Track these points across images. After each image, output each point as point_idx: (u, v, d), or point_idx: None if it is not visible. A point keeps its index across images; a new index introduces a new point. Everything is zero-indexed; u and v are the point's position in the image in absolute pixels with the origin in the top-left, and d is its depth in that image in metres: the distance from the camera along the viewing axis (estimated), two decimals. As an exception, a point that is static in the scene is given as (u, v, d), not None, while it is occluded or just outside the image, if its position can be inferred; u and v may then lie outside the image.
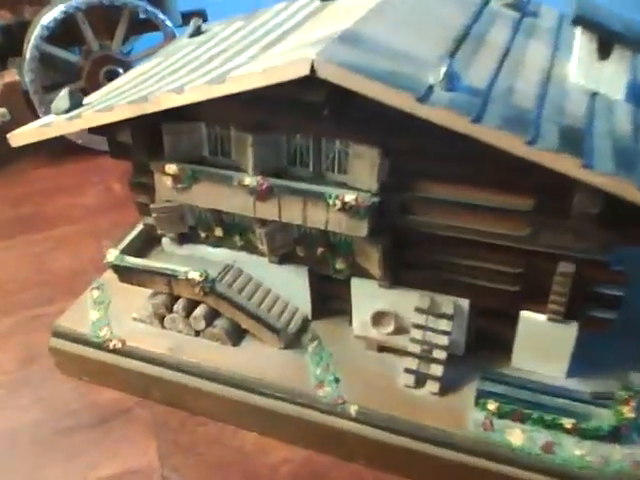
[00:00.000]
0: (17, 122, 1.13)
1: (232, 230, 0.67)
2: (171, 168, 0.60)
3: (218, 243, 0.69)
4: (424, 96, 0.46)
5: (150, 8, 1.14)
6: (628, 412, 0.53)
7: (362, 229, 0.56)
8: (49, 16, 1.08)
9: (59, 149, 1.20)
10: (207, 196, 0.60)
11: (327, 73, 0.46)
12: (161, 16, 1.16)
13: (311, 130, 0.56)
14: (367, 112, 0.51)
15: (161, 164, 0.60)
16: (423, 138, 0.51)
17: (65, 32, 1.15)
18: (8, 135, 0.65)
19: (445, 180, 0.54)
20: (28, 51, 1.09)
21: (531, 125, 0.47)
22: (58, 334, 0.74)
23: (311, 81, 0.48)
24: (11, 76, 1.12)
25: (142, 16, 1.17)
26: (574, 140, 0.47)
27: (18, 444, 0.69)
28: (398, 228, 0.58)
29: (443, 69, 0.47)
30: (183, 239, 0.71)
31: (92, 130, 0.63)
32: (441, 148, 0.51)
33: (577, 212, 0.48)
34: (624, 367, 0.56)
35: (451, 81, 0.47)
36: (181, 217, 0.68)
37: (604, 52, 0.55)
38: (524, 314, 0.59)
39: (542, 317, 0.58)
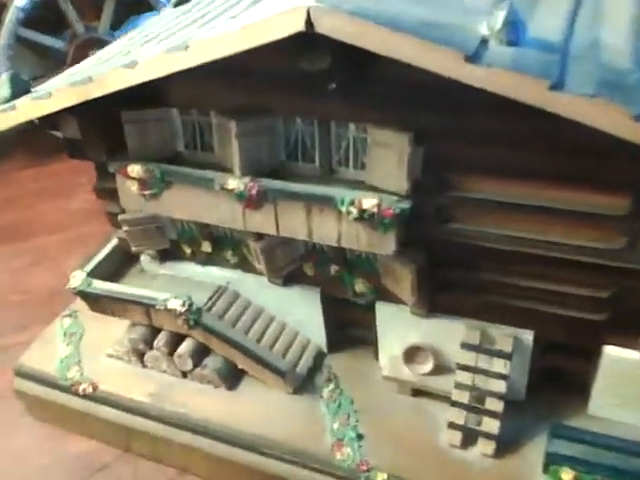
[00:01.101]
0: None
1: (222, 244, 0.55)
2: (135, 169, 0.46)
3: (207, 260, 0.57)
4: (475, 54, 0.31)
5: (140, -14, 1.01)
6: None
7: (388, 245, 0.42)
8: (25, -4, 0.95)
9: (45, 147, 1.08)
10: (183, 205, 0.47)
11: (330, 26, 0.32)
12: (154, -6, 1.03)
13: (315, 111, 0.42)
14: (391, 83, 0.37)
15: (122, 165, 0.46)
16: (472, 116, 0.37)
17: (51, 16, 1.03)
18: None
19: (502, 174, 0.40)
20: (3, 37, 0.97)
21: (631, 92, 0.32)
22: (22, 374, 0.61)
23: (309, 41, 0.33)
24: (-15, 66, 1.00)
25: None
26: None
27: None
28: (436, 240, 0.43)
29: (502, 14, 0.32)
30: (165, 256, 0.58)
31: (42, 124, 0.50)
32: (497, 129, 0.37)
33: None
34: None
35: (514, 31, 0.32)
36: (159, 230, 0.54)
37: None
38: (609, 350, 0.45)
39: (634, 354, 0.43)
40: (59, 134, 1.02)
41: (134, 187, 0.47)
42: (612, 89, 0.32)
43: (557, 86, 0.30)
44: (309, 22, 0.32)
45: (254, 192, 0.43)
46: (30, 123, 0.56)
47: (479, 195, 0.41)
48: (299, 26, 0.33)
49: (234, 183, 0.43)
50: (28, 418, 0.65)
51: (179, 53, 0.36)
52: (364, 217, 0.41)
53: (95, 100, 0.42)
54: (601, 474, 0.43)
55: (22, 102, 0.45)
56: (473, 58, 0.31)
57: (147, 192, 0.47)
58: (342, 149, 0.44)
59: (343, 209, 0.41)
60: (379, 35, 0.31)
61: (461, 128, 0.38)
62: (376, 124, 0.40)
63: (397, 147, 0.40)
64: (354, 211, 0.41)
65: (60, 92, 0.42)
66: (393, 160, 0.40)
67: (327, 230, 0.43)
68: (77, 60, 1.01)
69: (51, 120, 0.47)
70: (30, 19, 1.00)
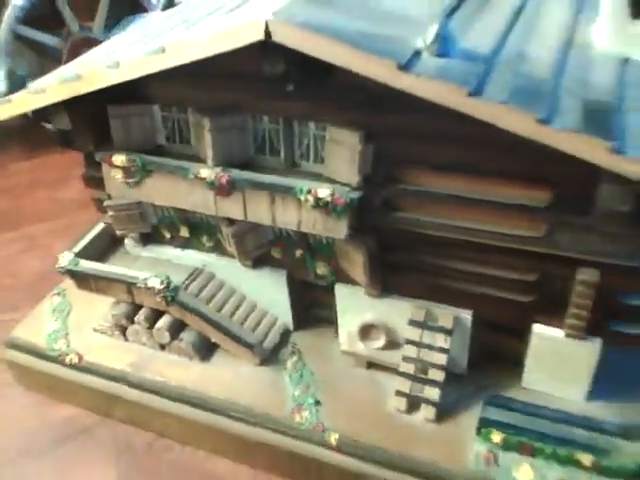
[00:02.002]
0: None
1: (199, 230, 0.59)
2: (119, 159, 0.51)
3: (185, 244, 0.62)
4: (408, 63, 0.37)
5: (132, -16, 1.06)
6: (663, 450, 0.43)
7: (341, 230, 0.47)
8: (22, -5, 1.00)
9: (41, 139, 1.13)
10: (161, 192, 0.52)
11: (283, 36, 0.37)
12: (146, -6, 1.07)
13: (279, 111, 0.47)
14: (344, 86, 0.42)
15: (108, 154, 0.51)
16: (415, 117, 0.42)
17: (46, 13, 1.07)
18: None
19: (442, 169, 0.45)
20: (1, 34, 1.01)
21: (546, 99, 0.37)
22: (13, 345, 0.66)
23: (269, 48, 0.38)
24: (-17, 61, 1.04)
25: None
26: (601, 118, 0.37)
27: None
28: (384, 227, 0.49)
29: (433, 29, 0.38)
30: (146, 240, 0.63)
31: (37, 117, 0.55)
32: (437, 129, 0.42)
33: (603, 209, 0.39)
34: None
35: (443, 44, 0.38)
36: (141, 215, 0.59)
37: (636, 10, 0.45)
38: (537, 328, 0.50)
39: (559, 332, 0.48)
40: (52, 127, 1.07)
41: (118, 175, 0.52)
42: (526, 96, 0.37)
43: (475, 93, 0.36)
44: (267, 32, 0.38)
45: (224, 181, 0.48)
46: (26, 118, 0.61)
47: (420, 188, 0.46)
48: (259, 35, 0.38)
49: (206, 172, 0.48)
50: (17, 387, 0.70)
51: (157, 55, 0.42)
52: (320, 205, 0.46)
53: (84, 95, 0.47)
54: (527, 437, 0.48)
55: (18, 96, 0.50)
56: (405, 67, 0.36)
57: (130, 180, 0.52)
58: (304, 145, 0.49)
59: (302, 197, 0.47)
60: (323, 44, 0.36)
61: (406, 127, 0.44)
62: (332, 123, 0.46)
63: (350, 144, 0.45)
64: (311, 199, 0.46)
65: (52, 88, 0.47)
66: (346, 155, 0.46)
67: (288, 216, 0.48)
68: (72, 58, 1.06)
69: (44, 113, 0.52)
70: (28, 17, 1.04)
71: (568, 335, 0.48)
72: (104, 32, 1.10)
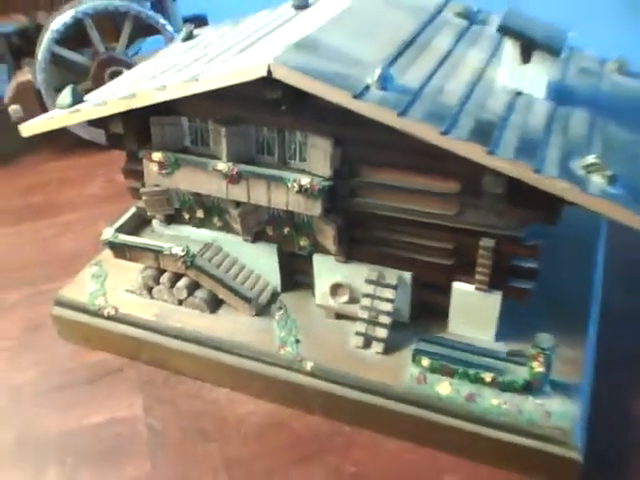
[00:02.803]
0: (29, 118, 1.25)
1: (212, 212, 0.76)
2: (157, 156, 0.69)
3: (200, 224, 0.78)
4: (360, 94, 0.56)
5: (152, 14, 1.24)
6: (538, 367, 0.61)
7: (317, 209, 0.65)
8: (59, 20, 1.18)
9: (67, 144, 1.31)
10: (188, 180, 0.70)
11: (281, 75, 0.56)
12: (162, 21, 1.26)
13: (274, 123, 0.66)
14: (320, 108, 0.60)
15: (148, 152, 0.70)
16: (366, 130, 0.59)
17: (75, 35, 1.25)
18: (19, 126, 0.76)
19: (385, 167, 0.63)
20: (40, 53, 1.20)
21: (448, 118, 0.56)
22: (60, 303, 0.83)
23: (269, 81, 0.57)
24: (25, 76, 1.23)
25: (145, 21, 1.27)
26: (486, 131, 0.56)
27: (21, 398, 0.78)
28: (349, 209, 0.67)
29: (378, 71, 0.57)
30: (170, 220, 0.80)
31: (91, 122, 0.73)
32: (381, 139, 0.60)
33: (487, 192, 0.58)
34: (538, 329, 0.64)
35: (384, 81, 0.57)
36: (168, 200, 0.77)
37: (526, 56, 0.64)
38: (456, 285, 0.68)
39: (471, 287, 0.67)
40: (81, 134, 1.25)
41: (155, 168, 0.71)
42: (434, 116, 0.56)
43: (401, 114, 0.54)
44: (269, 71, 0.57)
45: (234, 172, 0.67)
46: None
47: (373, 180, 0.64)
48: (263, 73, 0.57)
49: (221, 166, 0.67)
50: (59, 340, 0.86)
51: (192, 83, 0.60)
52: (302, 190, 0.64)
53: (135, 109, 0.66)
54: (446, 362, 0.66)
55: (85, 107, 0.68)
56: (358, 96, 0.55)
57: (164, 171, 0.71)
58: (292, 148, 0.68)
59: (289, 185, 0.65)
60: (306, 80, 0.55)
61: (361, 138, 0.62)
62: (312, 132, 0.64)
63: (324, 148, 0.64)
64: (296, 186, 0.64)
65: (113, 102, 0.66)
66: (321, 156, 0.64)
67: (280, 199, 0.66)
68: (98, 74, 1.25)
69: (102, 120, 0.70)
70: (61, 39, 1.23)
71: (477, 289, 0.66)
72: (124, 52, 1.29)
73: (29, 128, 0.73)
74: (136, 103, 0.64)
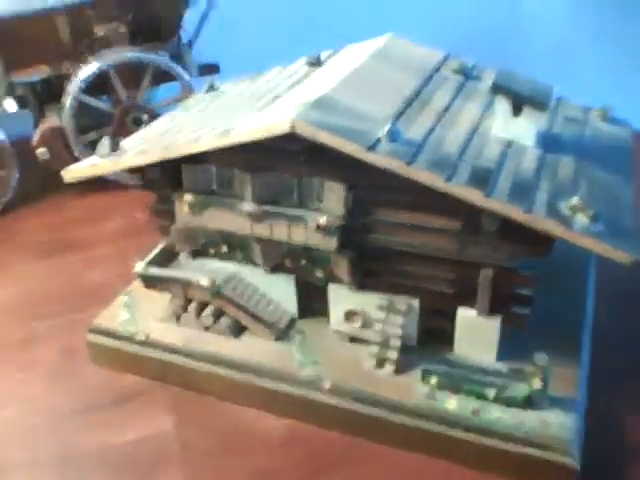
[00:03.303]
0: (55, 159, 1.34)
1: (235, 247, 0.83)
2: (188, 197, 0.78)
3: (224, 257, 0.85)
4: (372, 146, 0.64)
5: (171, 64, 1.34)
6: (536, 384, 0.69)
7: (332, 244, 0.73)
8: (86, 71, 1.28)
9: (87, 183, 1.38)
10: (215, 219, 0.78)
11: (302, 130, 0.64)
12: (179, 70, 1.36)
13: (294, 171, 0.73)
14: (335, 158, 0.67)
15: (181, 194, 0.78)
16: (375, 177, 0.67)
17: (97, 82, 1.34)
18: (62, 172, 0.84)
19: (395, 207, 0.71)
20: (68, 101, 1.29)
21: (450, 166, 0.65)
22: (95, 331, 0.90)
23: (292, 135, 0.66)
24: (52, 121, 1.32)
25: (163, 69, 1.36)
26: (483, 177, 0.65)
27: (60, 418, 0.85)
28: (362, 244, 0.74)
29: (387, 127, 0.66)
30: (196, 254, 0.87)
31: (126, 169, 0.82)
32: (390, 184, 0.68)
33: (485, 230, 0.66)
34: (535, 350, 0.71)
35: (393, 135, 0.65)
36: (195, 237, 0.85)
37: (516, 111, 0.73)
38: (460, 311, 0.75)
39: (473, 313, 0.74)
40: (108, 175, 1.32)
41: (185, 208, 0.79)
42: (437, 165, 0.65)
43: (408, 163, 0.63)
44: (292, 127, 0.65)
45: (259, 212, 0.75)
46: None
47: (384, 218, 0.72)
48: (287, 129, 0.65)
49: (247, 207, 0.76)
50: (93, 365, 0.92)
51: (223, 138, 0.69)
52: (319, 228, 0.73)
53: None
54: (453, 380, 0.74)
55: (127, 156, 0.77)
56: (370, 148, 0.64)
57: (193, 211, 0.79)
58: (310, 191, 0.74)
59: (308, 223, 0.74)
60: (324, 135, 0.63)
61: (372, 182, 0.69)
62: (328, 178, 0.72)
63: (338, 191, 0.72)
64: (314, 225, 0.73)
65: (151, 152, 0.75)
66: (336, 198, 0.72)
67: (299, 236, 0.74)
68: (121, 120, 1.34)
69: (139, 167, 0.79)
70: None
71: (479, 314, 0.74)
72: (144, 99, 1.39)
73: (72, 173, 0.81)
74: (173, 154, 0.72)
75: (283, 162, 0.72)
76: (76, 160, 1.31)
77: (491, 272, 0.70)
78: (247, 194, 0.76)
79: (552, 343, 0.75)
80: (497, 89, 0.73)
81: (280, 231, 0.75)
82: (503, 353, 0.76)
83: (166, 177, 0.78)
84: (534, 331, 0.76)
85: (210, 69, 1.53)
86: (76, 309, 1.04)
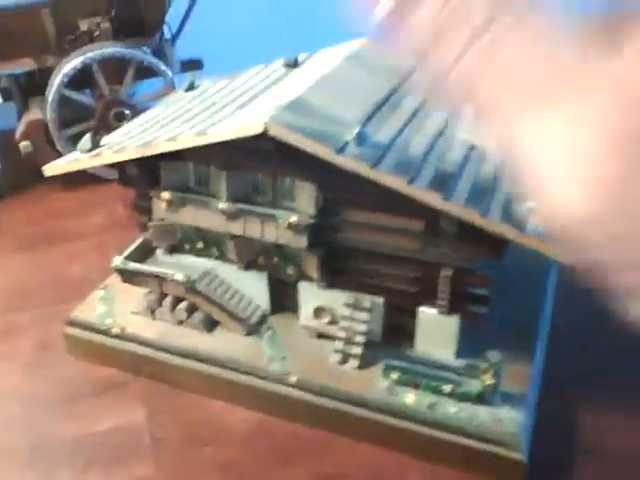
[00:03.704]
0: (37, 153, 1.36)
1: (210, 243, 0.86)
2: (166, 195, 0.80)
3: (199, 253, 0.88)
4: (340, 149, 0.67)
5: (154, 61, 1.36)
6: (488, 380, 0.72)
7: (303, 242, 0.76)
8: (70, 66, 1.30)
9: (70, 177, 1.40)
10: (191, 216, 0.81)
11: (275, 132, 0.67)
12: (162, 67, 1.38)
13: (269, 170, 0.76)
14: (307, 159, 0.69)
15: (158, 191, 0.81)
16: (346, 178, 0.69)
17: (81, 77, 1.36)
18: (43, 167, 0.86)
19: (361, 208, 0.74)
20: (51, 95, 1.31)
21: (414, 169, 0.68)
22: (71, 323, 0.92)
23: (265, 136, 0.68)
24: (35, 115, 1.34)
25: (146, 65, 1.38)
26: (444, 180, 0.68)
27: (34, 408, 0.87)
28: (331, 243, 0.77)
29: (356, 130, 0.69)
30: (172, 250, 0.90)
31: (108, 165, 0.84)
32: (357, 186, 0.71)
33: (444, 232, 0.69)
34: (492, 347, 0.74)
35: (361, 139, 0.68)
36: (172, 233, 0.88)
37: (480, 118, 0.76)
38: (421, 309, 0.78)
39: (434, 311, 0.77)
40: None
41: (163, 205, 0.82)
42: (402, 168, 0.68)
43: (373, 166, 0.66)
44: (266, 129, 0.68)
45: (233, 210, 0.78)
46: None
47: (351, 219, 0.76)
48: (260, 130, 0.68)
49: (222, 205, 0.78)
50: (69, 357, 0.94)
51: (201, 136, 0.72)
52: (291, 226, 0.76)
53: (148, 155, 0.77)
54: (412, 375, 0.77)
55: (105, 152, 0.79)
56: (339, 151, 0.67)
57: (171, 208, 0.81)
58: (282, 190, 0.78)
59: (280, 222, 0.76)
60: (296, 137, 0.66)
61: (341, 183, 0.73)
62: (300, 179, 0.75)
63: (309, 191, 0.75)
64: (285, 223, 0.76)
65: (129, 150, 0.77)
66: (307, 197, 0.76)
67: (271, 233, 0.77)
68: (103, 115, 1.36)
69: (119, 164, 0.81)
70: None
71: (439, 312, 0.77)
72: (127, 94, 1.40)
73: (53, 169, 0.84)
74: (150, 152, 0.75)
75: (258, 161, 0.75)
76: (58, 153, 1.34)
77: (450, 272, 0.73)
78: (222, 192, 0.78)
79: (509, 342, 0.79)
80: (462, 98, 0.75)
81: (253, 229, 0.78)
82: (462, 350, 0.79)
83: (144, 174, 0.81)
84: (493, 329, 0.79)
85: (193, 65, 1.55)
86: (55, 302, 1.06)
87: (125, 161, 0.79)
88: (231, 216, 0.78)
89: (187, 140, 0.72)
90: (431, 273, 0.75)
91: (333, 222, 0.76)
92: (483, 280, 0.73)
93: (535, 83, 0.34)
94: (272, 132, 0.67)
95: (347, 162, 0.67)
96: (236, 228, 0.79)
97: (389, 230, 0.74)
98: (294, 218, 0.75)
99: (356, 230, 0.76)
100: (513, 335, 0.82)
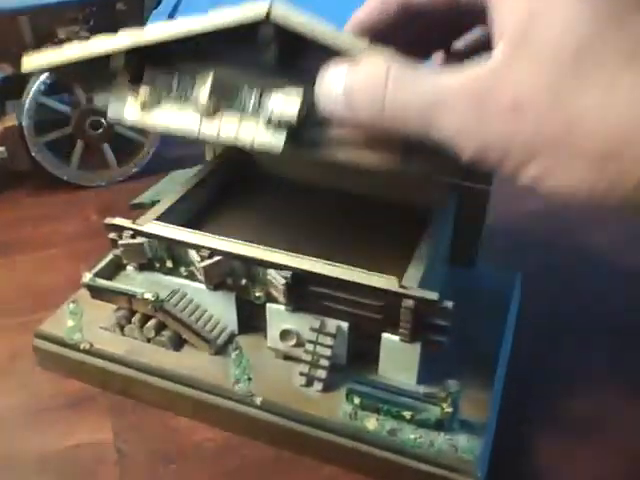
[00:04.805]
0: (12, 159, 1.36)
1: (179, 263, 0.87)
2: (144, 90, 0.72)
3: (168, 272, 0.89)
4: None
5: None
6: (447, 408, 0.75)
7: (280, 143, 0.69)
8: (46, 74, 1.30)
9: (43, 182, 1.42)
10: (164, 118, 0.73)
11: (278, 13, 0.61)
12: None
13: (258, 72, 0.68)
14: (299, 64, 0.64)
15: (137, 87, 0.73)
16: None
17: (58, 82, 1.36)
18: (22, 60, 0.78)
19: None
20: (27, 102, 1.30)
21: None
22: (40, 336, 0.93)
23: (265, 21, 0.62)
24: (11, 120, 1.33)
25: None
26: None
27: (3, 421, 0.88)
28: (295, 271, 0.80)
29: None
30: (142, 267, 0.91)
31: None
32: None
33: (406, 266, 0.71)
34: (452, 375, 0.75)
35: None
36: (141, 251, 0.89)
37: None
38: (385, 336, 0.80)
39: (396, 338, 0.79)
40: (60, 175, 1.35)
41: (138, 102, 0.73)
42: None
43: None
44: (269, 9, 0.61)
45: (213, 103, 0.69)
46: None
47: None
48: (264, 12, 0.61)
49: (202, 98, 0.69)
50: (38, 368, 0.95)
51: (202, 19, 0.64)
52: (270, 122, 0.67)
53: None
54: (374, 401, 0.78)
55: (97, 41, 0.70)
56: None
57: (144, 107, 0.72)
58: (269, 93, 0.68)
59: (260, 117, 0.68)
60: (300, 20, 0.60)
61: None
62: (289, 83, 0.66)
63: (296, 94, 0.65)
64: (266, 117, 0.67)
65: (121, 37, 0.69)
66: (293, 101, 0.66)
67: (248, 133, 0.68)
68: (79, 123, 1.36)
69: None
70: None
71: (401, 340, 0.80)
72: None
73: (34, 62, 0.77)
74: (145, 40, 0.69)
75: (248, 58, 0.69)
76: (33, 160, 1.34)
77: (412, 303, 0.75)
78: (204, 90, 0.71)
79: (469, 368, 0.82)
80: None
81: (229, 129, 0.70)
82: (424, 376, 0.82)
83: (129, 69, 0.74)
84: (453, 357, 0.81)
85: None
86: (25, 312, 1.07)
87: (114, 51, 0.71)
88: (208, 113, 0.70)
89: (184, 23, 0.66)
90: (395, 302, 0.76)
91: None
92: (445, 312, 0.75)
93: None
94: (275, 13, 0.62)
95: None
96: (210, 129, 0.71)
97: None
98: (277, 111, 0.67)
99: (323, 257, 0.78)
100: (474, 361, 0.85)
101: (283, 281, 0.80)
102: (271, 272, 0.81)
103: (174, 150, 1.51)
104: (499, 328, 0.92)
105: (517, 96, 0.42)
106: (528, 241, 1.25)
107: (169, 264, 0.89)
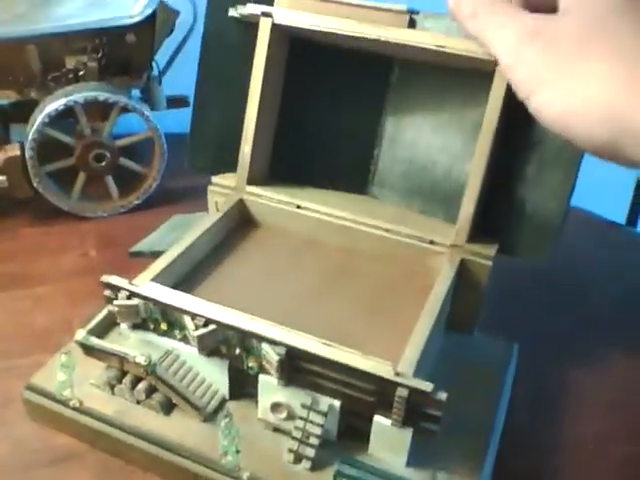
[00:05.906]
0: (12, 188, 1.35)
1: (174, 326, 0.87)
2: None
3: (162, 334, 0.88)
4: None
5: (138, 106, 1.36)
6: (434, 498, 0.74)
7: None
8: (52, 106, 1.29)
9: (43, 212, 1.41)
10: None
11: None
12: (146, 112, 1.38)
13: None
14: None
15: None
16: None
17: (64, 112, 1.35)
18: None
19: None
20: (31, 133, 1.30)
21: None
22: (31, 388, 0.92)
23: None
24: (13, 150, 1.33)
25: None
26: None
27: (-13, 472, 0.87)
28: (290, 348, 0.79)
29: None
30: (136, 327, 0.91)
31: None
32: None
33: (400, 362, 0.71)
34: (443, 456, 0.77)
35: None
36: (136, 312, 0.88)
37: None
38: (376, 418, 0.79)
39: (388, 422, 0.79)
40: (60, 205, 1.34)
41: None
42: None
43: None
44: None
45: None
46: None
47: (313, 328, 0.77)
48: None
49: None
50: (27, 419, 0.94)
51: None
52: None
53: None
54: None
55: None
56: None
57: None
58: None
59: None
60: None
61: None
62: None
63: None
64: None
65: None
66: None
67: None
68: (83, 155, 1.36)
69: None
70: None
71: (392, 424, 0.79)
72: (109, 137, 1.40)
73: None
74: None
75: None
76: (34, 190, 1.33)
77: (406, 392, 0.74)
78: None
79: (459, 451, 0.82)
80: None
81: None
82: (413, 459, 0.81)
83: None
84: (444, 440, 0.81)
85: (178, 102, 1.56)
86: (18, 354, 1.06)
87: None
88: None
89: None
90: (388, 388, 0.76)
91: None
92: (437, 403, 0.74)
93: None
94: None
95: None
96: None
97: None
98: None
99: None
100: (464, 443, 0.84)
101: (277, 357, 0.79)
102: (265, 346, 0.80)
103: (179, 181, 1.49)
104: (493, 406, 0.91)
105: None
106: (526, 305, 1.24)
107: (163, 326, 0.88)
